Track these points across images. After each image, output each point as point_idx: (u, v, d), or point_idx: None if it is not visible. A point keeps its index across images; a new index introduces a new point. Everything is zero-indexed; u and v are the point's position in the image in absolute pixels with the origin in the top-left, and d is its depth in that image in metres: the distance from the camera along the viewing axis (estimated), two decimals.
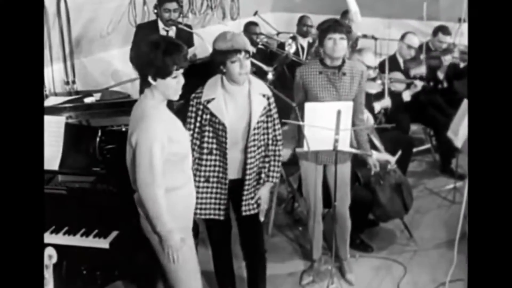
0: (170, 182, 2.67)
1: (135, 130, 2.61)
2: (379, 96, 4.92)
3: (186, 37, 4.93)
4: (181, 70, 2.62)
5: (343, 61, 3.57)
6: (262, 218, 3.33)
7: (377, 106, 4.85)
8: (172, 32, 4.99)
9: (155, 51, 2.55)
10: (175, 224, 2.67)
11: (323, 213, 3.96)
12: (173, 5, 4.91)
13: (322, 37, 3.53)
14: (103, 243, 3.00)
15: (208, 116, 3.12)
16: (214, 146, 3.16)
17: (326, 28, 3.50)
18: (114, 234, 3.05)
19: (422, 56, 5.46)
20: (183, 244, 2.70)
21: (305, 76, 3.60)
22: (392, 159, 4.24)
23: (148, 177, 2.56)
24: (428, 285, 3.87)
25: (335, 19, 3.56)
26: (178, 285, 2.84)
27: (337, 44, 3.46)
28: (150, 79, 2.59)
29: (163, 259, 2.77)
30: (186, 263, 2.79)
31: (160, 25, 4.96)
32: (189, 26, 5.16)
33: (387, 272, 4.07)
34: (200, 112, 3.13)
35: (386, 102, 4.96)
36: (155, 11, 5.03)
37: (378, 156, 4.14)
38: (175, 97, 2.67)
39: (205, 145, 3.16)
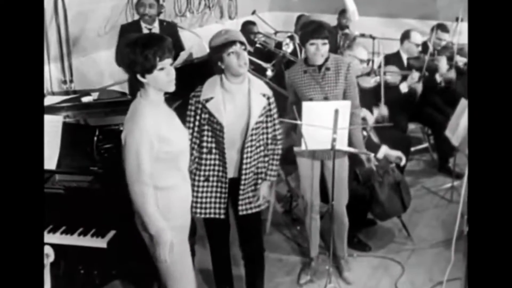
0: (163, 181, 2.67)
1: (125, 128, 2.63)
2: (378, 92, 4.90)
3: (170, 34, 4.91)
4: (168, 61, 2.61)
5: (328, 57, 3.57)
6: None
7: (375, 112, 4.83)
8: (155, 30, 4.97)
9: (134, 48, 2.56)
10: (170, 223, 2.67)
11: (321, 212, 3.96)
12: (148, 0, 4.86)
13: (304, 40, 3.55)
14: (101, 243, 3.00)
15: (206, 116, 3.12)
16: (213, 145, 3.16)
17: (309, 32, 3.49)
18: (111, 233, 3.05)
19: (426, 57, 5.47)
20: (173, 244, 2.68)
21: (292, 77, 3.65)
22: (403, 156, 4.22)
23: (135, 175, 2.57)
24: (425, 284, 3.88)
25: (319, 23, 3.52)
26: (170, 284, 2.83)
27: (319, 50, 3.48)
28: (139, 77, 2.60)
29: (155, 257, 2.77)
30: (179, 262, 2.78)
31: (143, 24, 4.93)
32: (173, 23, 5.12)
33: (384, 271, 4.07)
34: (199, 111, 3.13)
35: (383, 110, 4.93)
36: (136, 7, 5.01)
37: (388, 152, 4.15)
38: (170, 88, 2.66)
39: (204, 144, 3.16)
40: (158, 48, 2.56)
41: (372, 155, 3.84)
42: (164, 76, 2.61)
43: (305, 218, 3.91)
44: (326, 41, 3.48)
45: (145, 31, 4.90)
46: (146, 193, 2.59)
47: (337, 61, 3.60)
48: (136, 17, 5.72)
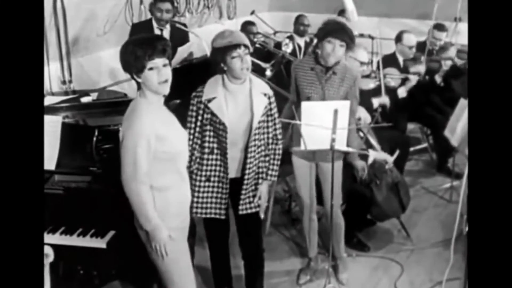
0: (161, 181, 2.67)
1: (123, 126, 2.64)
2: (377, 92, 4.92)
3: (180, 37, 4.93)
4: (159, 60, 2.57)
5: (338, 61, 3.54)
6: (262, 215, 3.35)
7: (375, 102, 4.85)
8: (167, 32, 4.99)
9: (128, 49, 2.58)
10: (168, 223, 2.67)
11: (318, 214, 3.96)
12: (166, 6, 4.92)
13: (322, 37, 3.47)
14: (100, 243, 3.00)
15: (209, 116, 3.12)
16: (215, 145, 3.16)
17: (330, 30, 3.44)
18: (111, 233, 3.05)
19: (423, 58, 5.46)
20: (170, 240, 2.69)
21: (298, 70, 3.62)
22: (390, 159, 4.23)
23: (131, 172, 2.57)
24: (425, 284, 3.88)
25: (342, 25, 3.48)
26: (170, 284, 2.83)
27: (335, 51, 3.44)
28: (135, 77, 2.61)
29: (153, 256, 2.77)
30: (177, 261, 2.79)
31: (154, 24, 4.97)
32: (184, 25, 5.16)
33: (384, 271, 4.07)
34: (201, 112, 3.13)
35: (384, 99, 4.95)
36: (150, 8, 5.06)
37: (376, 155, 4.15)
38: (163, 90, 2.62)
39: (206, 144, 3.16)
40: (148, 47, 2.55)
41: (372, 154, 3.83)
42: (154, 76, 2.58)
43: (303, 219, 3.91)
44: (344, 43, 3.44)
45: (157, 31, 4.92)
46: (141, 191, 2.59)
47: (346, 70, 3.55)
48: (136, 17, 5.74)
